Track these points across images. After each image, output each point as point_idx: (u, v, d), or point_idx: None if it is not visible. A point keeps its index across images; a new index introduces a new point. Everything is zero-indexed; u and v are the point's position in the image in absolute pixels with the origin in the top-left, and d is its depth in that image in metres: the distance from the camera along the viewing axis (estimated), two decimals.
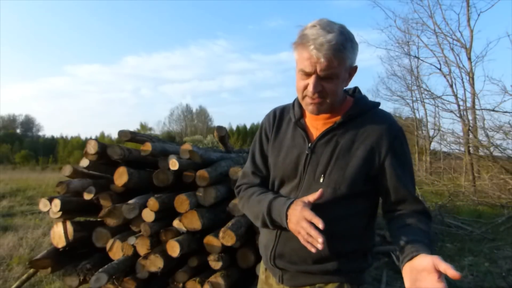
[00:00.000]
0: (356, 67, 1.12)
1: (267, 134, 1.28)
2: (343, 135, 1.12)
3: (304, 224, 0.98)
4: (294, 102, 1.25)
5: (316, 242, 0.95)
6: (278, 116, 1.27)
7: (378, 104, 1.20)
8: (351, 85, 1.21)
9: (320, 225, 0.94)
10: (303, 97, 1.10)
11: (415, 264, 0.90)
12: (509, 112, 7.08)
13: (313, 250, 0.97)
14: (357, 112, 1.14)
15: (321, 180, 1.10)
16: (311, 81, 1.05)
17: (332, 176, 1.09)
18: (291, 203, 1.05)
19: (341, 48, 1.01)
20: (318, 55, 1.00)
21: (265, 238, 1.22)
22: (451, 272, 0.81)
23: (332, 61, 1.01)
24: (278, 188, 1.22)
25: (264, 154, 1.28)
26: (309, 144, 1.14)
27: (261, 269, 1.34)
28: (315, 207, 1.06)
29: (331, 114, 1.15)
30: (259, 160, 1.28)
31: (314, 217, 0.96)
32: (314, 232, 0.95)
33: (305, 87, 1.07)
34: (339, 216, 1.09)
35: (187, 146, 2.81)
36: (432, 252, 0.93)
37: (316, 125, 1.17)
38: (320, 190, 1.03)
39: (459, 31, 10.65)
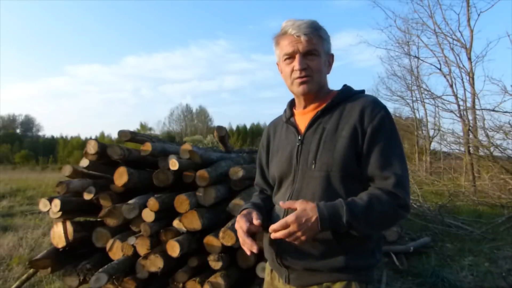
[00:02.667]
0: (333, 56, 1.24)
1: (264, 146, 1.39)
2: (328, 121, 1.17)
3: (239, 232, 1.13)
4: (286, 107, 1.34)
5: (248, 250, 1.09)
6: (273, 127, 1.38)
7: (363, 91, 1.25)
8: (342, 82, 1.30)
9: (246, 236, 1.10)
10: (292, 81, 1.19)
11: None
12: (509, 112, 7.05)
13: (248, 253, 1.10)
14: (341, 98, 1.19)
15: (313, 166, 1.13)
16: (296, 60, 1.15)
17: (323, 159, 1.12)
18: (243, 209, 1.22)
19: (317, 27, 1.16)
20: (298, 34, 1.13)
21: (269, 239, 1.21)
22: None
23: (311, 37, 1.13)
24: (279, 185, 1.26)
25: (261, 167, 1.40)
26: (299, 137, 1.20)
27: (266, 270, 1.34)
28: (313, 196, 1.11)
29: (318, 106, 1.21)
30: (258, 175, 1.42)
31: (242, 226, 1.12)
32: (248, 241, 1.08)
33: (292, 71, 1.17)
34: None
35: (187, 146, 2.81)
36: (330, 213, 1.02)
37: (305, 119, 1.23)
38: (258, 222, 1.12)
39: (459, 31, 10.68)
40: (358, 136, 1.10)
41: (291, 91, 1.24)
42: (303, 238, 1.02)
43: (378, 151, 1.09)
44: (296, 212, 1.03)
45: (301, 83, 1.16)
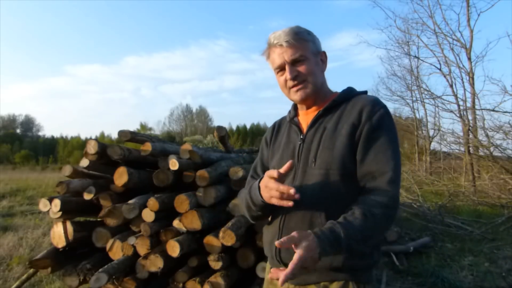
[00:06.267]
0: (325, 53, 1.26)
1: (267, 142, 1.40)
2: (329, 120, 1.19)
3: (271, 185, 1.05)
4: (290, 108, 1.36)
5: (290, 196, 1.01)
6: (277, 125, 1.41)
7: (365, 92, 1.28)
8: (342, 82, 1.34)
9: (279, 173, 1.02)
10: (289, 91, 1.22)
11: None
12: (509, 112, 7.04)
13: (290, 204, 1.02)
14: (342, 98, 1.22)
15: (314, 164, 1.15)
16: (286, 71, 1.18)
17: (322, 157, 1.13)
18: (261, 178, 1.14)
19: (297, 32, 1.17)
20: (281, 44, 1.16)
21: (269, 235, 1.23)
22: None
23: (294, 44, 1.16)
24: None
25: (262, 162, 1.40)
26: (301, 136, 1.23)
27: (266, 269, 1.34)
28: (312, 193, 1.11)
29: (320, 106, 1.24)
30: (259, 168, 1.40)
31: (279, 183, 1.03)
32: (283, 187, 1.01)
33: (286, 81, 1.20)
34: (338, 203, 1.09)
35: (187, 146, 2.81)
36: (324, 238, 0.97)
37: (308, 118, 1.26)
38: (289, 162, 1.05)
39: (459, 31, 10.64)
40: (356, 132, 1.13)
41: (290, 100, 1.26)
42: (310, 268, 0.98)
43: (376, 148, 1.10)
44: (301, 249, 0.96)
45: (297, 90, 1.19)
